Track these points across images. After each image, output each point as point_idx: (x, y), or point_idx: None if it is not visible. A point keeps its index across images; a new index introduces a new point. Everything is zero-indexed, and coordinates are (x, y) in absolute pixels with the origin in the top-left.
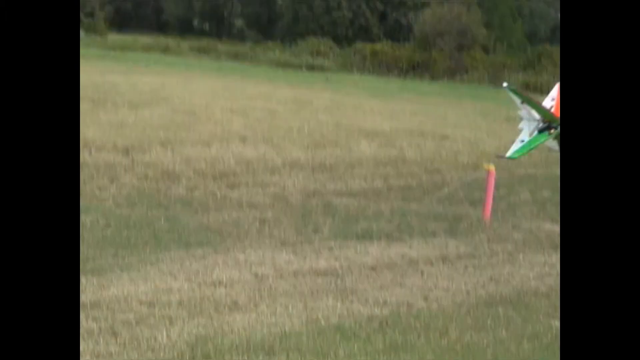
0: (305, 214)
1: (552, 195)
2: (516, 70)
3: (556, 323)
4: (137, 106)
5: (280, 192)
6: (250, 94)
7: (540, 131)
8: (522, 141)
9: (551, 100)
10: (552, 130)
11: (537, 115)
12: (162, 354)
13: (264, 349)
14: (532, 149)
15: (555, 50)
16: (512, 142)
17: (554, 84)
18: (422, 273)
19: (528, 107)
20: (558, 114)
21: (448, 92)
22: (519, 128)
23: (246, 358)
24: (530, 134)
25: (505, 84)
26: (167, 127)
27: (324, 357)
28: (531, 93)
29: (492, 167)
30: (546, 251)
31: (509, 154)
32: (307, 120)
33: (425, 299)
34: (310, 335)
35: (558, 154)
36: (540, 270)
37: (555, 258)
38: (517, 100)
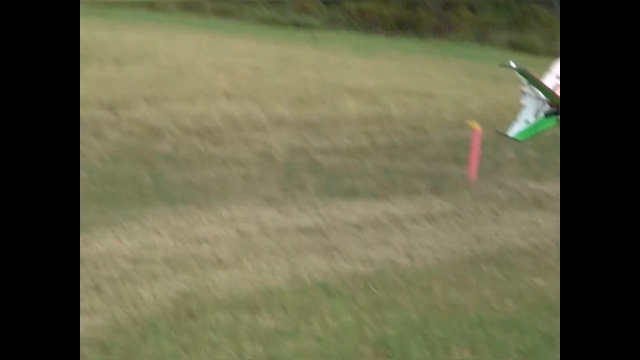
0: (290, 172)
1: (537, 154)
2: (502, 29)
3: (540, 282)
4: (122, 62)
5: (265, 150)
6: (236, 51)
7: (548, 115)
8: (527, 122)
9: (555, 77)
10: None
11: (542, 95)
12: (145, 311)
13: (247, 306)
14: (538, 132)
15: (540, 9)
16: (498, 101)
17: (551, 56)
18: (406, 231)
19: (529, 82)
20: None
21: (434, 50)
22: (521, 103)
23: (230, 315)
24: (535, 115)
25: (513, 64)
26: (152, 83)
27: (307, 315)
28: (517, 52)
29: (477, 125)
30: (531, 210)
31: (512, 134)
32: (293, 78)
33: (410, 257)
34: (294, 293)
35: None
36: (524, 228)
37: (539, 216)
38: (524, 81)
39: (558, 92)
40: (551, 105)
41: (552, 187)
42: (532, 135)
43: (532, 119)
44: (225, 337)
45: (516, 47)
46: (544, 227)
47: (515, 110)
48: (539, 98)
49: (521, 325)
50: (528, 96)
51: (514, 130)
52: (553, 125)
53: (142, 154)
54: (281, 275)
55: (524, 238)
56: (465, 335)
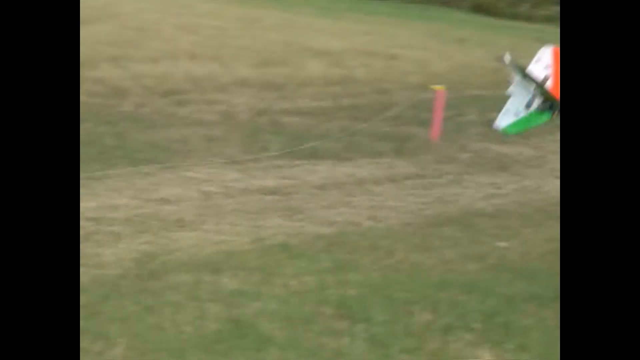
0: (253, 133)
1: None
2: None
3: (501, 244)
4: (86, 22)
5: (229, 110)
6: (200, 11)
7: (541, 110)
8: (517, 114)
9: (544, 68)
10: (556, 114)
11: (532, 87)
12: (108, 271)
13: (210, 267)
14: (530, 127)
15: None
16: (461, 63)
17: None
18: (369, 193)
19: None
20: (555, 86)
21: (398, 12)
22: (507, 93)
23: (192, 276)
24: (526, 107)
25: (507, 58)
26: (115, 43)
27: (270, 276)
28: (482, 15)
29: (440, 87)
30: (493, 172)
31: (502, 125)
32: (257, 39)
33: (372, 218)
34: (257, 254)
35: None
36: (486, 191)
37: (501, 179)
38: (518, 75)
39: (547, 82)
40: (545, 100)
41: (514, 150)
42: (523, 129)
43: (522, 112)
44: (187, 298)
45: (480, 9)
46: (506, 189)
47: (478, 74)
48: (528, 90)
49: (483, 287)
50: (517, 86)
51: (504, 122)
52: (547, 121)
53: (105, 114)
54: (243, 236)
55: (486, 200)
56: (426, 296)
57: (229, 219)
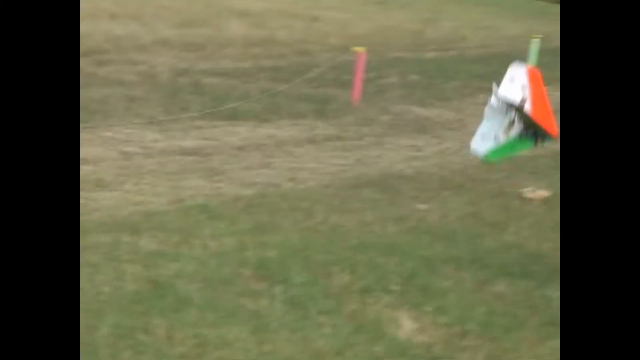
0: (173, 93)
1: (420, 79)
2: None
3: (421, 206)
4: None
5: (149, 71)
6: None
7: (523, 137)
8: (497, 139)
9: (521, 88)
10: (539, 142)
11: (513, 112)
12: None
13: (129, 228)
14: (513, 154)
15: None
16: (383, 25)
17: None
18: (289, 154)
19: (502, 98)
20: (534, 110)
21: None
22: (485, 112)
23: (111, 236)
24: (505, 132)
25: (495, 89)
26: None
27: (188, 237)
28: None
29: (361, 49)
30: (413, 135)
31: (482, 151)
32: None
33: (292, 180)
34: (176, 215)
35: None
36: (406, 153)
37: (421, 142)
38: (502, 103)
39: (526, 105)
40: (526, 127)
41: (435, 112)
42: (506, 156)
43: (501, 137)
44: (106, 259)
45: None
46: (426, 151)
47: (398, 36)
48: (506, 113)
49: (402, 249)
50: (492, 108)
51: (484, 148)
52: (528, 148)
53: None
54: (163, 196)
55: (406, 162)
56: (346, 258)
57: (148, 180)
